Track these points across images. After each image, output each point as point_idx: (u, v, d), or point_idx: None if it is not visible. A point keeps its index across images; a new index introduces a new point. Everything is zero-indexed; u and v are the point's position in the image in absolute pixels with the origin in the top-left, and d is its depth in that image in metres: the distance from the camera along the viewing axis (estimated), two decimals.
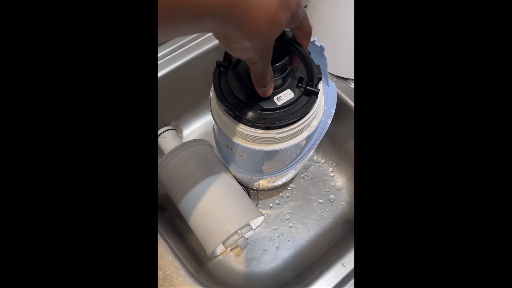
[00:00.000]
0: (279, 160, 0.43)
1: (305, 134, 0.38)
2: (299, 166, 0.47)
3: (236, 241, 0.44)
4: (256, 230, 0.51)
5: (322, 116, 0.40)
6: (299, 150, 0.42)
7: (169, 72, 0.52)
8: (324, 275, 0.38)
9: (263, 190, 0.55)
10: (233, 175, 0.49)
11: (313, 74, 0.33)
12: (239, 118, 0.34)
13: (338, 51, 0.49)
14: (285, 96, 0.34)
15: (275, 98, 0.33)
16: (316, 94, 0.34)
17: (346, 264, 0.39)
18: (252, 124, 0.34)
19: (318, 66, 0.35)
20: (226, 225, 0.42)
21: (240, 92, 0.33)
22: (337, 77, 0.50)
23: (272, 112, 0.33)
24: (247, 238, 0.49)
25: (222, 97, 0.33)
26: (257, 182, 0.52)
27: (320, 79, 0.34)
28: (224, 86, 0.34)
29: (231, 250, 0.49)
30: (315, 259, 0.48)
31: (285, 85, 0.34)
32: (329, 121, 0.41)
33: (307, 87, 0.33)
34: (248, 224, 0.45)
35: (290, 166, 0.44)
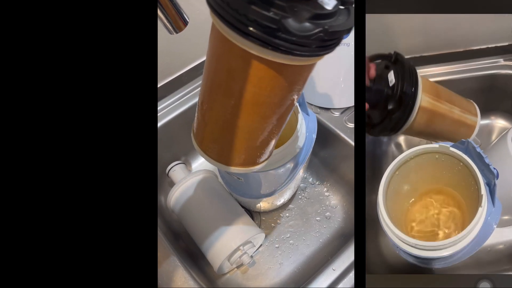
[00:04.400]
0: (272, 181, 0.50)
1: (290, 156, 0.45)
2: (292, 185, 0.53)
3: (240, 257, 0.50)
4: (260, 249, 0.57)
5: (305, 141, 0.47)
6: (288, 171, 0.49)
7: (179, 114, 0.60)
8: (317, 279, 0.43)
9: (265, 211, 0.61)
10: (235, 199, 0.56)
11: None
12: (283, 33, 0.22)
13: (319, 86, 0.57)
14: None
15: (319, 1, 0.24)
16: (351, 3, 0.25)
17: (336, 268, 0.44)
18: (304, 40, 0.23)
19: None
20: (229, 242, 0.48)
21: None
22: (320, 107, 0.58)
23: (326, 21, 0.23)
24: (252, 256, 0.54)
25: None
26: (259, 204, 0.58)
27: None
28: None
29: (237, 267, 0.55)
30: (314, 271, 0.53)
31: None
32: (312, 145, 0.48)
33: None
34: (250, 241, 0.51)
35: (284, 186, 0.51)
